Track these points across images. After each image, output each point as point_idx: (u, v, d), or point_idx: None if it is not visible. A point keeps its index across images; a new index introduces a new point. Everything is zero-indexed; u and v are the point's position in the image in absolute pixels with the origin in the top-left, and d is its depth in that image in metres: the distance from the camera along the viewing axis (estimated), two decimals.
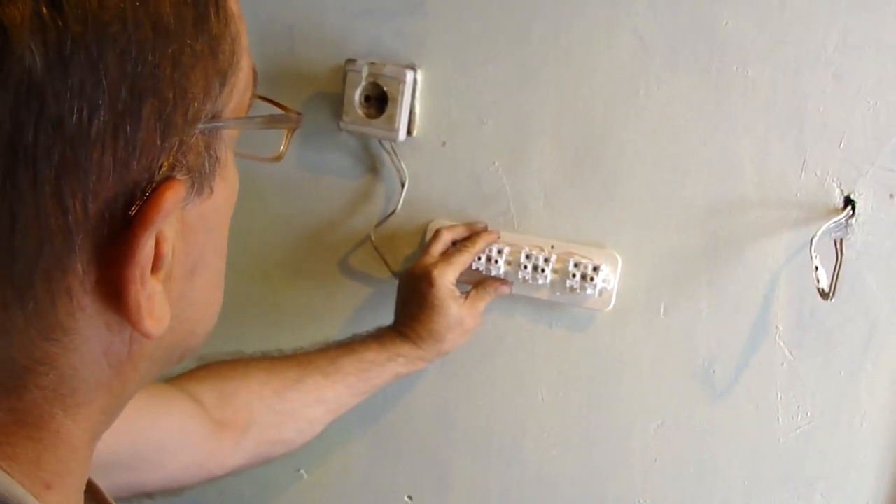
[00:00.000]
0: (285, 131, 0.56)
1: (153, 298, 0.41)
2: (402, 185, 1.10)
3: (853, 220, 0.95)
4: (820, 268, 0.93)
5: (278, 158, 0.57)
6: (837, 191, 0.96)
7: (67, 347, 0.41)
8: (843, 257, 0.94)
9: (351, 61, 1.08)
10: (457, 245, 1.05)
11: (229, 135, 0.45)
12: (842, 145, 0.95)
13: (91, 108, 0.36)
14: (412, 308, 1.01)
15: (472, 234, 1.06)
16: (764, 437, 1.04)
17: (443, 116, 1.09)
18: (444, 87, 1.08)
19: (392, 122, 1.07)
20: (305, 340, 1.05)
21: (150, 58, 0.38)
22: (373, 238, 1.13)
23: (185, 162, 0.41)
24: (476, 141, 1.08)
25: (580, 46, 1.02)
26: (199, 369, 0.90)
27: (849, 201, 0.95)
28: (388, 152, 1.10)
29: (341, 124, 1.08)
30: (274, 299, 1.21)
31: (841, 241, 0.95)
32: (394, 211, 1.11)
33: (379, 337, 1.01)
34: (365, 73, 1.07)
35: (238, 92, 0.44)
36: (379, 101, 1.08)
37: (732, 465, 1.05)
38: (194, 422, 0.84)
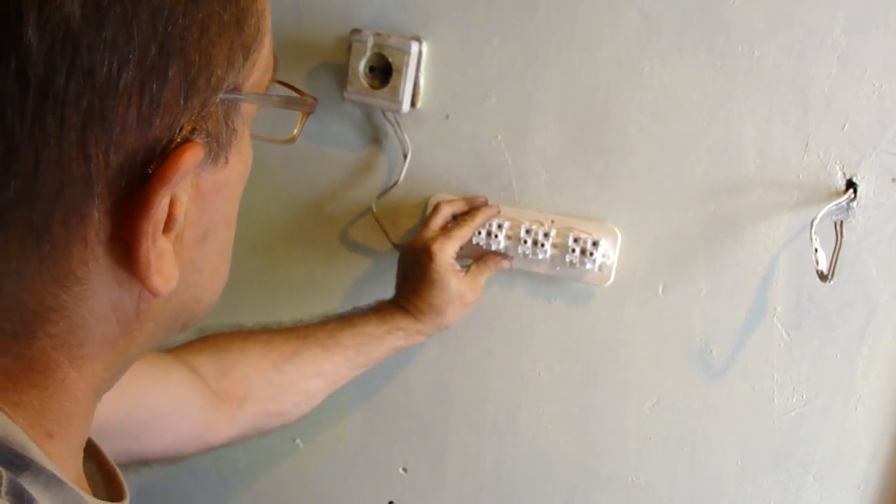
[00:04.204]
0: (300, 115, 0.58)
1: (163, 257, 0.43)
2: (405, 157, 1.10)
3: (854, 204, 0.95)
4: (820, 250, 0.93)
5: (291, 141, 0.59)
6: (840, 173, 0.96)
7: (78, 297, 0.42)
8: (843, 240, 0.94)
9: (356, 32, 1.07)
10: (457, 219, 1.05)
11: (247, 110, 0.46)
12: (845, 128, 0.95)
13: (121, 62, 0.38)
14: (412, 282, 1.01)
15: (471, 209, 1.06)
16: (758, 417, 1.04)
17: (447, 89, 1.09)
18: (449, 60, 1.08)
19: (396, 93, 1.06)
20: (305, 311, 1.06)
21: (180, 20, 0.39)
22: (374, 210, 1.13)
23: (204, 127, 0.42)
24: (479, 115, 1.08)
25: (586, 23, 1.02)
26: (198, 341, 0.91)
27: (851, 184, 0.95)
28: (391, 124, 1.10)
29: (345, 95, 1.08)
30: (274, 270, 1.21)
31: (841, 223, 0.95)
32: (396, 183, 1.11)
33: (378, 310, 1.01)
34: (370, 43, 1.07)
35: (259, 70, 0.46)
36: (383, 72, 1.07)
37: (726, 444, 1.06)
38: (193, 392, 0.85)
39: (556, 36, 1.03)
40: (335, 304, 1.13)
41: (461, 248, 1.03)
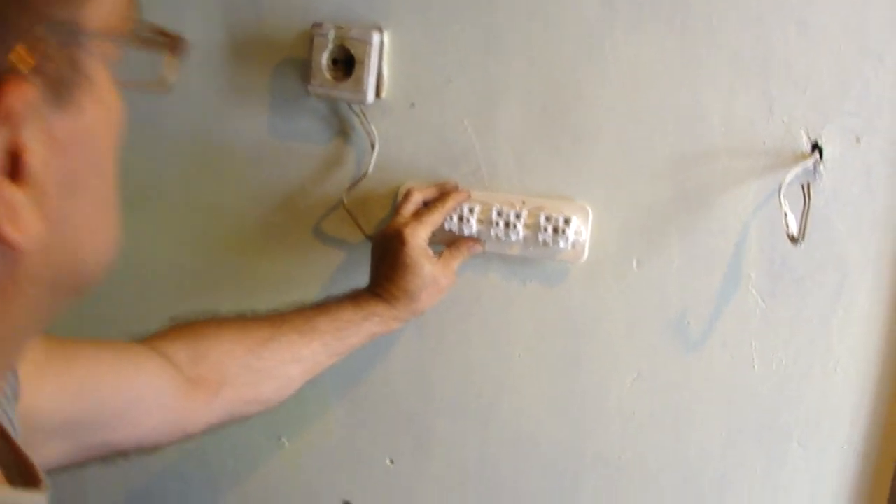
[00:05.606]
0: (169, 58, 0.53)
1: (15, 207, 0.41)
2: (373, 148, 1.10)
3: (821, 166, 0.96)
4: (789, 213, 0.94)
5: (162, 86, 0.54)
6: (805, 137, 0.96)
7: None
8: (811, 201, 0.95)
9: (317, 25, 1.07)
10: (428, 205, 1.05)
11: (102, 52, 0.44)
12: (808, 92, 0.95)
13: None
14: (385, 268, 1.01)
15: (442, 194, 1.06)
16: (740, 386, 1.04)
17: (411, 78, 1.09)
18: (412, 49, 1.08)
19: (360, 84, 1.06)
20: (281, 307, 1.05)
21: None
22: (345, 202, 1.12)
23: (39, 68, 0.40)
24: (445, 101, 1.08)
25: (545, 3, 1.02)
26: (170, 329, 0.90)
27: (816, 147, 0.96)
28: (357, 115, 1.10)
29: (309, 88, 1.08)
30: (248, 268, 1.21)
31: (808, 184, 0.95)
32: (365, 174, 1.11)
33: (354, 298, 1.01)
34: (331, 36, 1.06)
35: (106, 8, 0.43)
36: (346, 64, 1.07)
37: (709, 415, 1.06)
38: (165, 379, 0.83)
39: (517, 17, 1.03)
40: (311, 298, 1.12)
41: (434, 235, 1.03)
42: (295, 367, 0.95)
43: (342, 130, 1.12)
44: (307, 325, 0.96)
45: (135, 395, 0.80)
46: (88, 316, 1.26)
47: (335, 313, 0.98)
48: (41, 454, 0.70)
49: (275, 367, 0.93)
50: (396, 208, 1.05)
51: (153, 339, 0.87)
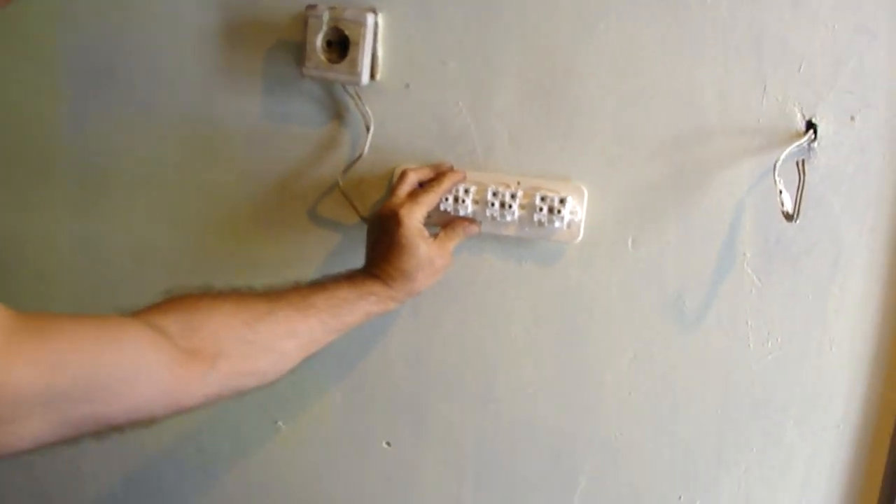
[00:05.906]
0: None
1: None
2: (368, 130, 1.10)
3: (815, 144, 0.96)
4: (784, 191, 0.94)
5: None
6: (799, 115, 0.96)
7: None
8: (806, 178, 0.95)
9: (311, 7, 1.07)
10: (423, 186, 1.05)
11: None
12: (801, 70, 0.95)
13: None
14: (381, 249, 1.01)
15: (438, 175, 1.06)
16: (735, 365, 1.05)
17: (405, 59, 1.08)
18: (406, 30, 1.08)
19: (355, 65, 1.06)
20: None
21: None
22: (341, 184, 1.12)
23: None
24: (440, 82, 1.08)
25: None
26: (164, 301, 0.88)
27: (810, 125, 0.96)
28: (352, 97, 1.10)
29: (304, 71, 1.08)
30: (244, 251, 1.21)
31: (803, 162, 0.95)
32: (360, 156, 1.11)
33: (350, 277, 1.01)
34: (326, 17, 1.06)
35: None
36: (341, 45, 1.07)
37: (705, 395, 1.06)
38: (155, 351, 0.80)
39: None
40: (306, 280, 1.12)
41: (429, 216, 1.03)
42: (291, 342, 0.94)
43: (337, 112, 1.12)
44: (304, 302, 0.95)
45: (120, 367, 0.77)
46: (84, 298, 1.26)
47: (332, 291, 0.97)
48: (26, 428, 0.69)
49: (271, 341, 0.92)
50: (392, 189, 1.05)
51: (145, 311, 0.85)
